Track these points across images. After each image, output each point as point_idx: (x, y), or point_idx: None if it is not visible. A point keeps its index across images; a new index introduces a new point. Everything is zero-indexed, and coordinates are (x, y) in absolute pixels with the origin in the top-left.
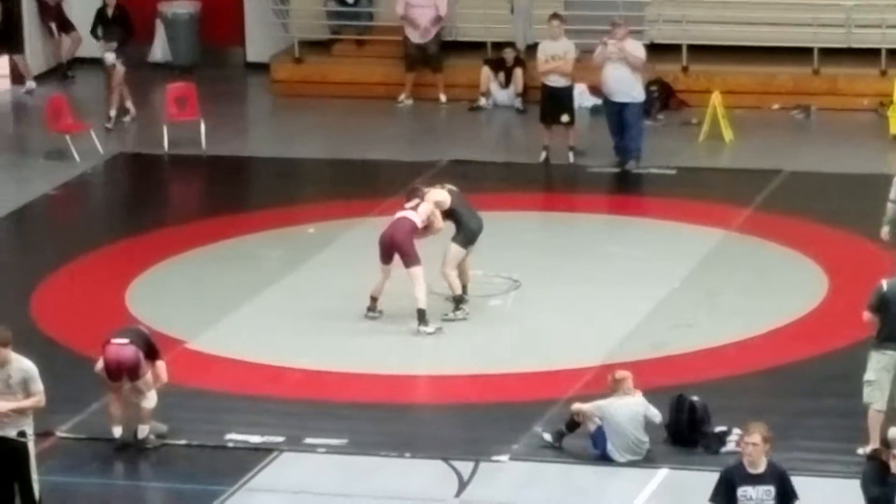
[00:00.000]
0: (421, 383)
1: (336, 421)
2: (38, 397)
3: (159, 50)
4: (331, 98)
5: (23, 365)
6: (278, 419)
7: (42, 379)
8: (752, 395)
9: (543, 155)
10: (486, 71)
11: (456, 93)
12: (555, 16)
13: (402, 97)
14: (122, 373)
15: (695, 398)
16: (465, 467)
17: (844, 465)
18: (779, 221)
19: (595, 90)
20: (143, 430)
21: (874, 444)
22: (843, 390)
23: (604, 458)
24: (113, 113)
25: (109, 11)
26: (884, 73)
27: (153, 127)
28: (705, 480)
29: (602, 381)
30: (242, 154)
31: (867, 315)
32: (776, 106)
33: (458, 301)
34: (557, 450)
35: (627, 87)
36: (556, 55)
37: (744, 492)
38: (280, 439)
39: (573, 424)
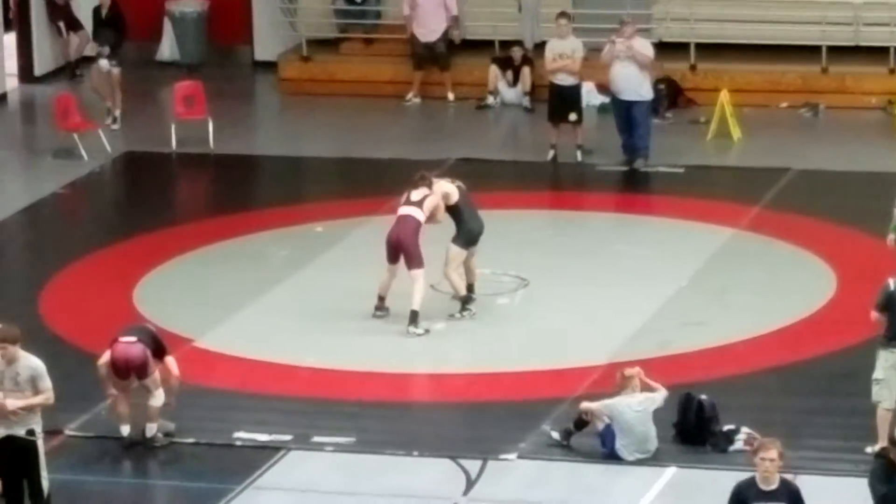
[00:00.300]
0: (429, 382)
1: (344, 419)
2: (47, 394)
3: (167, 48)
4: (339, 97)
5: (31, 362)
6: (286, 418)
7: (50, 377)
8: (760, 394)
9: (551, 153)
10: (493, 69)
11: (464, 91)
12: (562, 14)
13: (409, 96)
14: (131, 371)
15: (703, 397)
16: (473, 466)
17: (853, 464)
18: (787, 220)
19: (603, 88)
20: (151, 429)
21: (882, 442)
22: (851, 389)
23: (612, 457)
24: (118, 112)
25: (104, 12)
26: (892, 72)
27: (161, 125)
28: (713, 479)
29: (610, 380)
30: (250, 153)
31: (874, 315)
32: (784, 104)
33: (465, 301)
34: (565, 448)
35: (635, 85)
36: (563, 54)
37: None
38: (288, 438)
39: (581, 423)
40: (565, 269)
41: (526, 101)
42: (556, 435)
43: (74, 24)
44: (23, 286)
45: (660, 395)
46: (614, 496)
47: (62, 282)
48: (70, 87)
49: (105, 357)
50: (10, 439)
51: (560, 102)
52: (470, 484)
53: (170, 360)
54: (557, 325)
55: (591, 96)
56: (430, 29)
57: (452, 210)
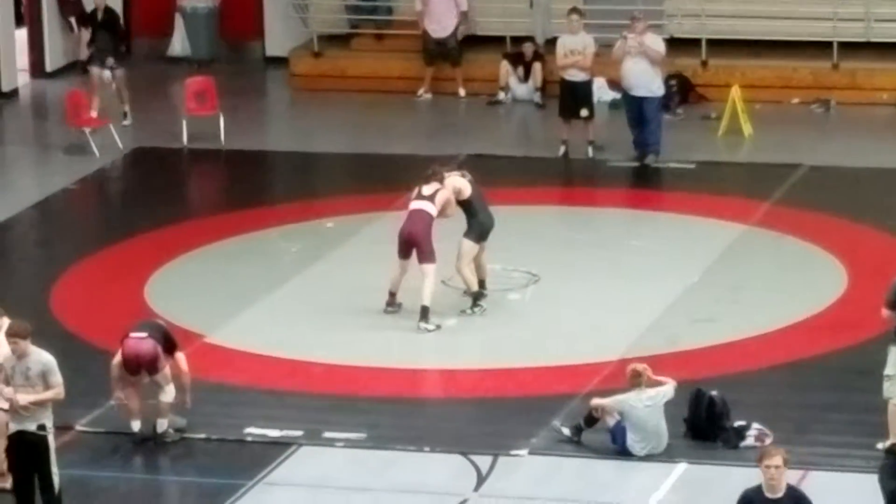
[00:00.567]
0: (439, 377)
1: (355, 415)
2: (58, 389)
3: (178, 44)
4: (350, 92)
5: (42, 357)
6: (297, 413)
7: (61, 373)
8: (771, 390)
9: (562, 149)
10: (504, 65)
11: (475, 87)
12: (574, 10)
13: (421, 91)
14: (141, 367)
15: (714, 392)
16: (484, 461)
17: (864, 460)
18: (798, 215)
19: (614, 84)
20: (162, 424)
21: (893, 438)
22: (862, 385)
23: (622, 453)
24: (127, 108)
25: (99, 14)
26: None
27: (172, 121)
28: (724, 475)
29: (621, 376)
30: (261, 148)
31: (885, 312)
32: (795, 100)
33: (476, 297)
34: (576, 444)
35: (647, 81)
36: (575, 49)
37: None
38: (299, 433)
39: (591, 420)
40: (576, 264)
41: (537, 97)
42: (566, 431)
43: (85, 20)
44: (34, 282)
45: (669, 388)
46: (625, 492)
47: (73, 277)
48: (81, 82)
49: (118, 357)
50: (21, 434)
51: (571, 98)
52: (481, 479)
53: (180, 357)
54: (568, 322)
55: (602, 92)
56: (441, 25)
57: (465, 205)
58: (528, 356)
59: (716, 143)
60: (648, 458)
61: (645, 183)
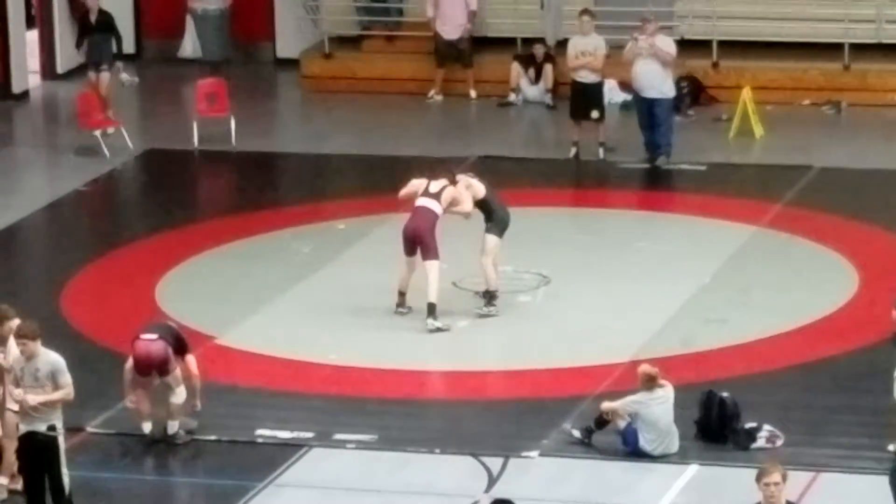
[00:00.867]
0: (450, 379)
1: (365, 416)
2: (67, 389)
3: (189, 45)
4: (361, 94)
5: (50, 358)
6: (308, 415)
7: (72, 374)
8: (783, 391)
9: (573, 151)
10: (515, 67)
11: (486, 88)
12: (585, 11)
13: (431, 93)
14: (152, 368)
15: (725, 394)
16: (495, 463)
17: (875, 462)
18: (809, 217)
19: (625, 86)
20: (173, 426)
21: None
22: (873, 386)
23: (633, 455)
24: (110, 114)
25: (93, 17)
26: None
27: (183, 123)
28: (735, 477)
29: (632, 377)
30: (272, 150)
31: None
32: (806, 102)
33: (491, 296)
34: (587, 446)
35: (658, 82)
36: (585, 51)
37: None
38: (309, 435)
39: (602, 422)
40: (587, 266)
41: (548, 99)
42: (577, 433)
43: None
44: (45, 283)
45: (671, 389)
46: (636, 494)
47: (84, 279)
48: (89, 85)
49: (130, 362)
50: (31, 435)
51: (582, 100)
52: (492, 481)
53: (190, 359)
54: (579, 323)
55: (613, 93)
56: (452, 26)
57: (481, 204)
58: (539, 358)
59: (727, 145)
60: (659, 459)
61: (656, 184)
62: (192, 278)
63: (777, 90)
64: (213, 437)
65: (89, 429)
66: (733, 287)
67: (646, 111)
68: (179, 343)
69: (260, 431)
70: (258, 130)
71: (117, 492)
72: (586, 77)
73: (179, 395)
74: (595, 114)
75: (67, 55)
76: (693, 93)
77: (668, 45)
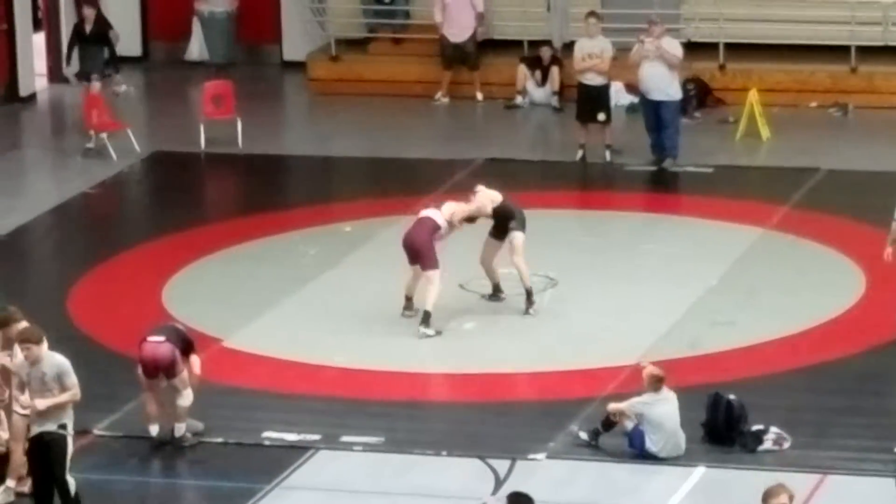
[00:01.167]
0: (457, 381)
1: (372, 419)
2: (74, 391)
3: (196, 48)
4: (367, 96)
5: (55, 360)
6: (314, 417)
7: (78, 377)
8: (789, 394)
9: (580, 153)
10: (522, 69)
11: (492, 91)
12: (591, 14)
13: (438, 95)
14: (159, 370)
15: (731, 396)
16: (502, 465)
17: (882, 464)
18: (816, 219)
19: (632, 88)
20: (180, 429)
21: None
22: (880, 389)
23: (640, 457)
24: (92, 132)
25: (88, 27)
26: None
27: (190, 125)
28: (742, 479)
29: (639, 379)
30: (279, 152)
31: None
32: (813, 104)
33: (530, 294)
34: (594, 448)
35: (664, 85)
36: (592, 53)
37: None
38: (316, 437)
39: (609, 424)
40: (594, 268)
41: (554, 101)
42: (583, 435)
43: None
44: (52, 286)
45: (673, 395)
46: (643, 496)
47: (91, 281)
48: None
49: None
50: (41, 435)
51: (589, 102)
52: (499, 484)
53: (194, 360)
54: (586, 325)
55: (619, 96)
56: (459, 28)
57: (501, 209)
58: (546, 360)
59: (733, 147)
60: (666, 461)
61: (662, 187)
62: (198, 281)
63: (784, 92)
64: (219, 440)
65: (96, 431)
66: (740, 289)
67: (652, 113)
68: (187, 345)
69: (267, 434)
70: (265, 133)
71: (124, 494)
72: (593, 79)
73: (186, 398)
74: (601, 116)
75: (74, 58)
76: (699, 95)
77: (674, 47)
